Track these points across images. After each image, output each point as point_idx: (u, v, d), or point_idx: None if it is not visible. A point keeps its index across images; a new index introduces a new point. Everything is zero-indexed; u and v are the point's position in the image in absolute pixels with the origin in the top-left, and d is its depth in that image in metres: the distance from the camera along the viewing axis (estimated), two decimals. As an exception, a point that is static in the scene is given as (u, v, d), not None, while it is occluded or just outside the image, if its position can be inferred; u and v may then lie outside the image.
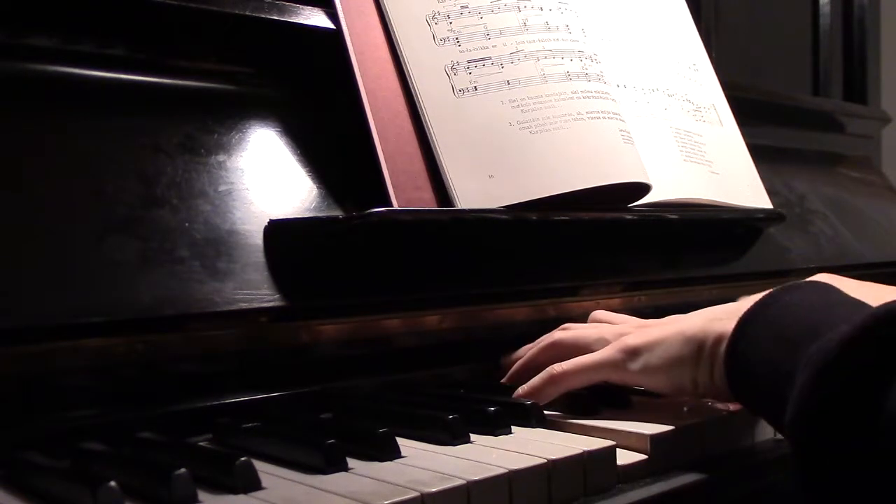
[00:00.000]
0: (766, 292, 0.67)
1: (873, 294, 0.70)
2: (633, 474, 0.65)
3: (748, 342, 0.64)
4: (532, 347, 0.82)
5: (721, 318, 0.69)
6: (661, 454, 0.66)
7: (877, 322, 0.53)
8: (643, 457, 0.66)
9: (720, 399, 0.72)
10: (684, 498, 0.65)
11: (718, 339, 0.68)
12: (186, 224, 0.72)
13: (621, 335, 0.76)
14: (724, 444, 0.72)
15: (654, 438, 0.66)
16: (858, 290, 0.82)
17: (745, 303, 0.67)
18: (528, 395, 0.74)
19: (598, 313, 0.88)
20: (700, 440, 0.70)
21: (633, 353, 0.73)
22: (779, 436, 0.76)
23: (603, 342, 0.76)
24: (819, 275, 0.87)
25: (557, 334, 0.81)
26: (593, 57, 0.95)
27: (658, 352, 0.72)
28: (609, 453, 0.64)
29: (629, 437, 0.67)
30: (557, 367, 0.75)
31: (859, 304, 0.63)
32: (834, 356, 0.53)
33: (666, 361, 0.71)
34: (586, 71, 0.93)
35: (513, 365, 0.83)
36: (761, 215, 1.13)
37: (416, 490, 0.53)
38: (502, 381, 0.83)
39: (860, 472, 0.52)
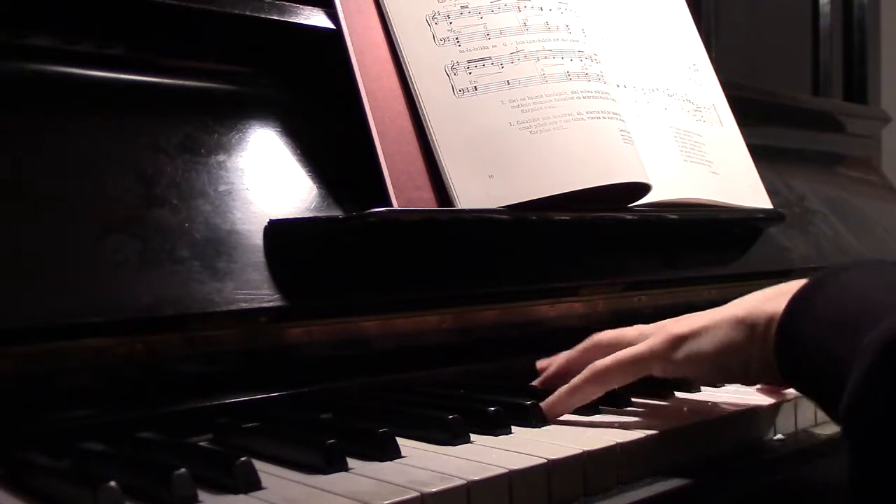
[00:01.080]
0: (822, 272, 0.64)
1: None
2: (633, 474, 0.65)
3: (801, 322, 0.62)
4: (569, 352, 0.80)
5: (770, 298, 0.67)
6: (661, 454, 0.66)
7: None
8: (643, 457, 0.66)
9: (772, 382, 0.70)
10: (684, 498, 0.65)
11: (771, 319, 0.65)
12: (186, 224, 0.72)
13: (663, 327, 0.73)
14: (724, 444, 0.72)
15: (655, 439, 0.66)
16: None
17: (796, 284, 0.65)
18: (569, 394, 0.71)
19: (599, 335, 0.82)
20: (700, 440, 0.70)
21: (678, 340, 0.70)
22: (780, 435, 0.76)
23: (644, 337, 0.73)
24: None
25: (597, 336, 0.78)
26: (593, 57, 0.95)
27: (707, 338, 0.69)
28: (609, 453, 0.64)
29: (629, 437, 0.67)
30: (600, 364, 0.72)
31: None
32: (892, 344, 0.51)
33: (715, 346, 0.68)
34: (586, 71, 0.93)
35: (547, 369, 0.81)
36: (761, 215, 1.13)
37: (416, 490, 0.53)
38: (534, 383, 0.81)
39: None
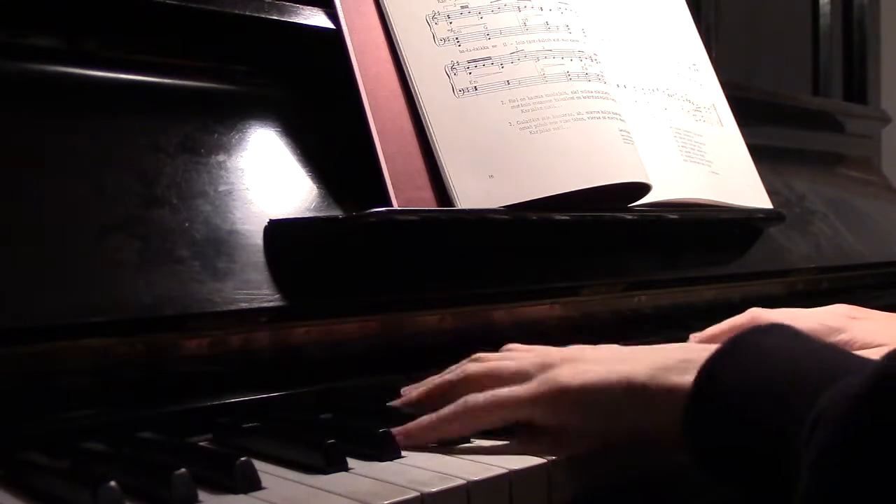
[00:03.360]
0: (729, 340, 0.59)
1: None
2: (632, 474, 0.65)
3: (717, 395, 0.57)
4: (439, 380, 0.71)
5: (671, 366, 0.60)
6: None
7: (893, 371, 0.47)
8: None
9: (659, 455, 0.64)
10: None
11: (672, 392, 0.59)
12: (186, 224, 0.72)
13: (546, 367, 0.65)
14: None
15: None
16: (888, 322, 0.79)
17: (694, 350, 0.61)
18: (434, 425, 0.64)
19: (512, 346, 0.75)
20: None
21: (563, 393, 0.63)
22: None
23: (523, 375, 0.65)
24: (838, 305, 0.84)
25: (470, 367, 0.69)
26: (593, 57, 0.95)
27: (596, 398, 0.62)
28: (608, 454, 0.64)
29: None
30: (473, 400, 0.64)
31: (839, 350, 0.58)
32: (855, 412, 0.47)
33: (606, 411, 0.62)
34: (586, 71, 0.93)
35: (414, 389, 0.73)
36: (761, 215, 1.13)
37: (416, 490, 0.53)
38: (394, 403, 0.73)
39: None
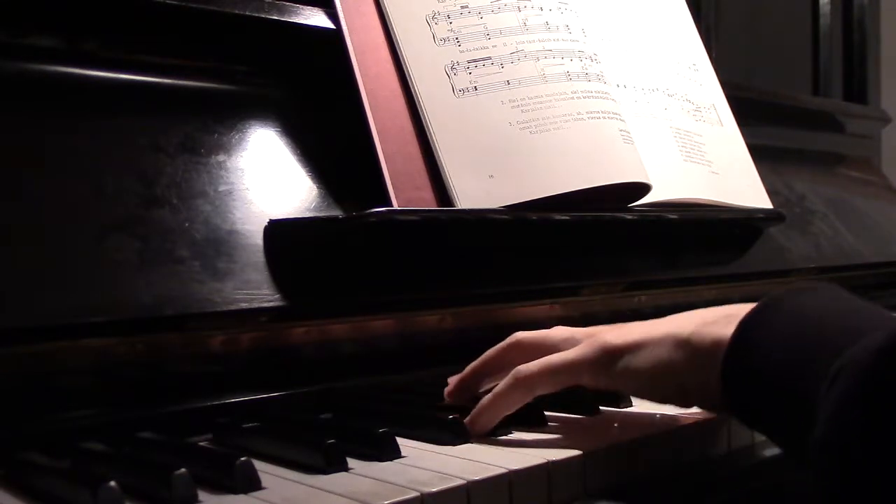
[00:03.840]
0: (769, 295, 0.60)
1: None
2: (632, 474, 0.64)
3: (752, 349, 0.57)
4: (487, 352, 0.73)
5: (715, 321, 0.61)
6: (664, 453, 0.66)
7: None
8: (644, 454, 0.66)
9: (709, 409, 0.67)
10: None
11: (715, 345, 0.60)
12: (186, 224, 0.72)
13: (593, 333, 0.67)
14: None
15: (655, 436, 0.66)
16: None
17: (740, 307, 0.61)
18: (493, 403, 0.66)
19: (557, 327, 0.76)
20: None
21: (611, 352, 0.64)
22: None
23: (572, 342, 0.68)
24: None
25: (519, 335, 0.71)
26: (593, 57, 0.95)
27: (643, 354, 0.63)
28: (609, 453, 0.63)
29: (628, 436, 0.67)
30: (525, 369, 0.66)
31: (877, 310, 0.58)
32: (876, 365, 0.47)
33: (652, 365, 0.63)
34: (586, 71, 0.93)
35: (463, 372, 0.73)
36: (761, 215, 1.13)
37: (416, 490, 0.53)
38: (447, 390, 0.73)
39: None
